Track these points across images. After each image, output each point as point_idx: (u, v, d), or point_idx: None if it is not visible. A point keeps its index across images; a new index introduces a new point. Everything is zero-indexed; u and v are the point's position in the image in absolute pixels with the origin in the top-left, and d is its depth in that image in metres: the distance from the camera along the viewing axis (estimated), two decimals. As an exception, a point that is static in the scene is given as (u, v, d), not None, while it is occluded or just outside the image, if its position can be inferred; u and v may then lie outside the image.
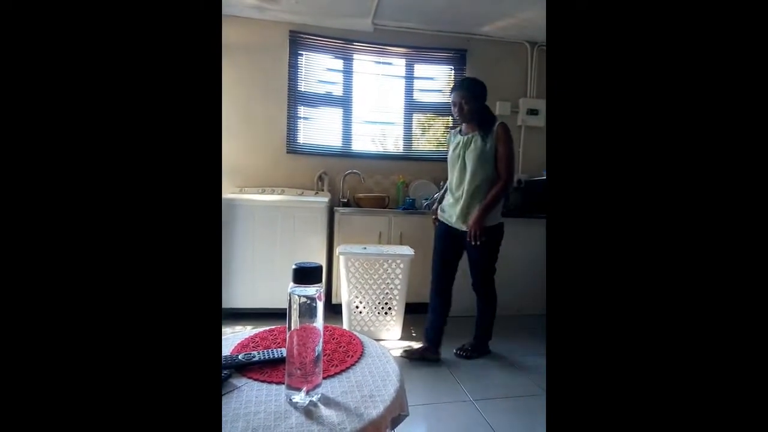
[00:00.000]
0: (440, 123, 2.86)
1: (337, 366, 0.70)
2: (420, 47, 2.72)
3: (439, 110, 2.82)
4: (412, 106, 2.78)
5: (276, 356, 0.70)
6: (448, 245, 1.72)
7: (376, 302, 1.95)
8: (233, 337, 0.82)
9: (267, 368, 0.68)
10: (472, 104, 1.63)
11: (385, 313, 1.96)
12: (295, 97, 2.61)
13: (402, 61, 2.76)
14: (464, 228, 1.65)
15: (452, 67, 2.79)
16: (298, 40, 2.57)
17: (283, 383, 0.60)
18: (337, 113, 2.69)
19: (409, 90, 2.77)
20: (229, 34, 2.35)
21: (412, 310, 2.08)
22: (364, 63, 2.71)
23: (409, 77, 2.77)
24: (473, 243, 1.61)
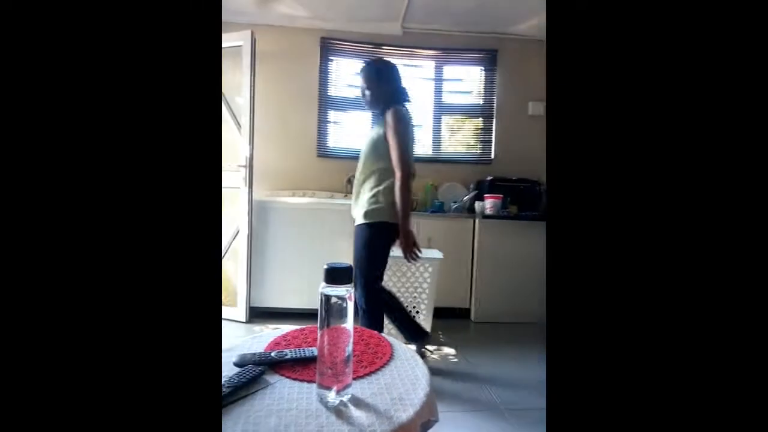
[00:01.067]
0: (470, 125, 2.82)
1: (366, 367, 0.71)
2: (449, 49, 2.70)
3: (468, 112, 2.78)
4: (441, 108, 2.76)
5: (307, 355, 0.71)
6: None
7: (404, 305, 1.94)
8: (266, 335, 0.85)
9: (298, 366, 0.69)
10: (373, 89, 1.46)
11: (413, 316, 1.95)
12: (326, 102, 2.66)
13: (431, 64, 2.74)
14: (357, 222, 1.49)
15: (483, 68, 2.75)
16: (328, 46, 2.63)
17: (314, 382, 0.61)
18: (366, 117, 2.72)
19: (438, 92, 2.75)
20: (263, 42, 2.44)
21: (440, 315, 2.05)
22: (393, 66, 2.73)
23: (438, 79, 2.75)
24: (409, 259, 1.45)
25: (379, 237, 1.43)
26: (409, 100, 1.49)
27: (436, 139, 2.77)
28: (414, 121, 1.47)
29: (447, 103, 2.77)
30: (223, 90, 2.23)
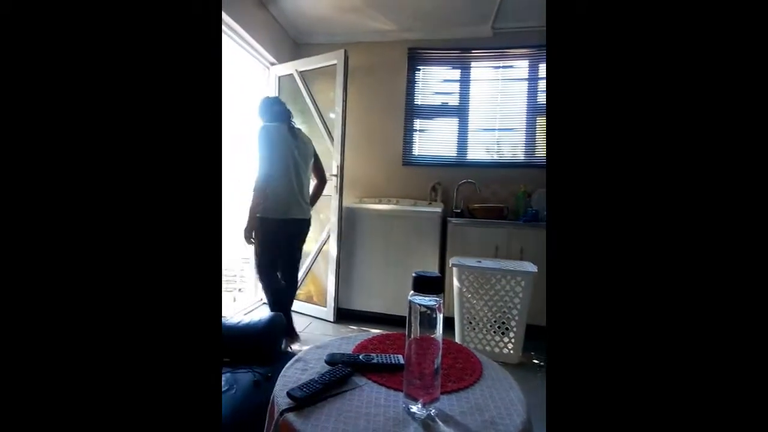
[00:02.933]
0: (570, 125, 2.55)
1: (454, 383, 0.67)
2: (545, 45, 2.49)
3: (568, 111, 2.52)
4: (536, 110, 2.55)
5: (393, 362, 0.71)
6: None
7: (492, 320, 1.81)
8: (354, 337, 0.87)
9: (385, 372, 0.69)
10: (260, 114, 1.89)
11: (502, 333, 1.81)
12: (412, 111, 2.70)
13: (524, 63, 2.57)
14: None
15: (586, 62, 2.46)
16: (416, 56, 2.67)
17: (400, 390, 0.60)
18: (452, 123, 2.67)
19: (532, 92, 2.56)
20: (354, 59, 2.60)
21: (534, 335, 1.86)
22: (481, 70, 2.63)
23: (533, 78, 2.56)
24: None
25: (260, 228, 1.79)
26: (282, 120, 1.84)
27: (530, 143, 2.57)
28: (278, 137, 1.78)
29: (543, 103, 2.55)
30: (318, 106, 2.44)
